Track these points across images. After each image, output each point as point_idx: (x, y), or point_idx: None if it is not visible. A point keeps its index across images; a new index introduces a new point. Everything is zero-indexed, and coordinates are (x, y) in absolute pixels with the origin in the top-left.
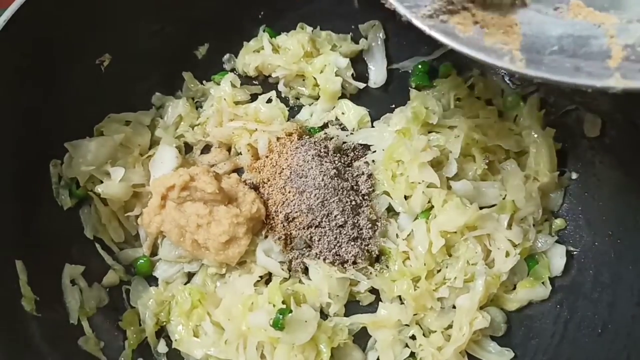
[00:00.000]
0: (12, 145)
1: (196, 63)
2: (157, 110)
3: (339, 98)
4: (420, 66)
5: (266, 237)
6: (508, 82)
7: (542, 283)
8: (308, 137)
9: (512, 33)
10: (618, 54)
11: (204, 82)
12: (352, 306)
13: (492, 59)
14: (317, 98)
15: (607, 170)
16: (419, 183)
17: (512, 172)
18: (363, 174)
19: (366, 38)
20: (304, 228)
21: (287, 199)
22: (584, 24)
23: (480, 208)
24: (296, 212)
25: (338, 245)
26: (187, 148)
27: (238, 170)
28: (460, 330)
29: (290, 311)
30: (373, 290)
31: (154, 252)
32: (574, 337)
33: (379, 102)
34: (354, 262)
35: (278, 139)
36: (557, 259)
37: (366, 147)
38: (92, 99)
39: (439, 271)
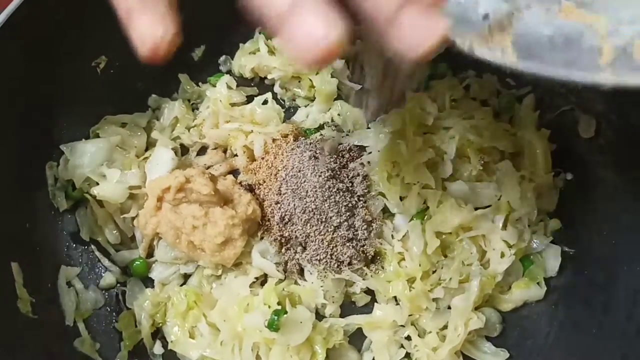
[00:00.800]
0: (8, 147)
1: (192, 65)
2: (154, 112)
3: (335, 99)
4: None
5: (262, 238)
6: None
7: (537, 283)
8: (304, 138)
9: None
10: (609, 53)
11: (200, 84)
12: (347, 307)
13: (482, 53)
14: (313, 99)
15: (602, 171)
16: (414, 184)
17: (508, 173)
18: (358, 175)
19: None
20: (299, 229)
21: (282, 201)
22: (575, 24)
23: (476, 209)
24: (292, 213)
25: (333, 246)
26: (183, 150)
27: (234, 172)
28: (456, 330)
29: (286, 312)
30: (368, 291)
31: (150, 253)
32: (568, 338)
33: None
34: (350, 263)
35: (274, 140)
36: (552, 259)
37: (362, 149)
38: (88, 100)
39: (434, 272)
